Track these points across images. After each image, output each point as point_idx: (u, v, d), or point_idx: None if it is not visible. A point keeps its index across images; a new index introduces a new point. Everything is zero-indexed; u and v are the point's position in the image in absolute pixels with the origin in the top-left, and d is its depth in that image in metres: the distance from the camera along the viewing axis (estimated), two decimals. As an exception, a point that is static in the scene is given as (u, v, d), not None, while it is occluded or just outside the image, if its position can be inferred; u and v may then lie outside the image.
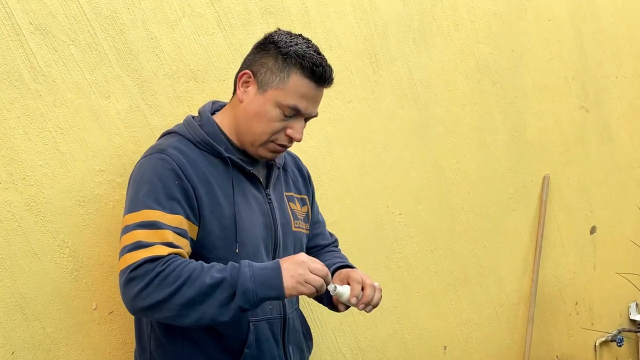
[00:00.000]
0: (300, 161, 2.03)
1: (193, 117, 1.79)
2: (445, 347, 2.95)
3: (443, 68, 2.87)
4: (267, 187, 1.81)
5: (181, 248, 1.56)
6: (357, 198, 2.59)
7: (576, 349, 3.61)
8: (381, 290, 1.73)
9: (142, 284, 1.50)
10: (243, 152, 1.75)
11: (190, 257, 1.62)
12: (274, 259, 1.77)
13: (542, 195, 3.34)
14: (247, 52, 1.79)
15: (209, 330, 1.68)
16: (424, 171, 2.83)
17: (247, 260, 1.57)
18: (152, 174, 1.61)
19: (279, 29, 1.75)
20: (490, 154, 3.10)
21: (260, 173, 1.81)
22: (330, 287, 1.64)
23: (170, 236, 1.55)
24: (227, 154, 1.70)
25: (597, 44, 3.60)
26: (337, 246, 2.11)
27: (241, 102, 1.71)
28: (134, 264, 1.51)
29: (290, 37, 1.70)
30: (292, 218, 1.86)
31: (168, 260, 1.52)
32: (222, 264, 1.57)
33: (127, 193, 1.68)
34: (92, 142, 1.91)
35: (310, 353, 2.00)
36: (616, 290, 3.81)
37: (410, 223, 2.78)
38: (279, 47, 1.67)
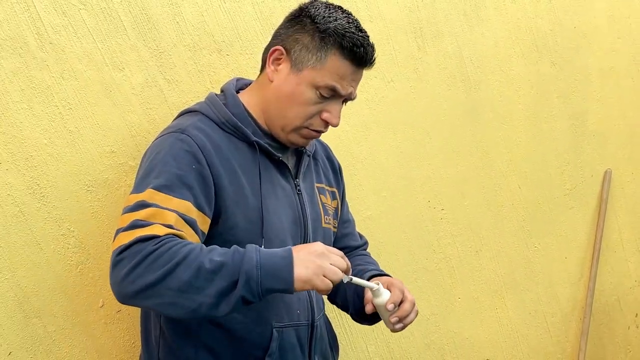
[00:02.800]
0: (331, 151, 2.03)
1: (216, 95, 1.78)
2: (488, 360, 2.97)
3: (497, 45, 2.87)
4: (296, 176, 1.81)
5: (182, 232, 1.51)
6: (395, 190, 2.59)
7: (635, 367, 3.62)
8: (417, 313, 1.74)
9: (131, 265, 1.44)
10: (271, 136, 1.75)
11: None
12: None
13: (602, 193, 3.35)
14: (276, 25, 1.78)
15: (227, 335, 1.67)
16: (471, 162, 2.84)
17: (254, 245, 1.52)
18: (167, 154, 1.59)
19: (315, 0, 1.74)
20: (546, 144, 3.11)
21: (290, 161, 1.80)
22: (346, 278, 1.56)
23: (172, 219, 1.50)
24: (254, 138, 1.70)
25: (672, 22, 3.57)
26: (366, 249, 2.10)
27: (271, 81, 1.71)
28: (125, 244, 1.46)
29: (329, 10, 1.68)
30: (322, 212, 1.86)
31: (163, 239, 1.46)
32: (225, 248, 1.51)
33: (136, 173, 1.66)
34: (103, 119, 1.91)
35: None
36: (682, 302, 3.80)
37: (454, 220, 2.80)
38: (316, 22, 1.66)
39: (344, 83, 1.67)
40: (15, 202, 1.79)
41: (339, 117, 1.72)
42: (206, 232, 1.60)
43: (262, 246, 1.64)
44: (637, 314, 3.60)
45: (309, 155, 1.86)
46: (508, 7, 2.87)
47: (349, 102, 1.77)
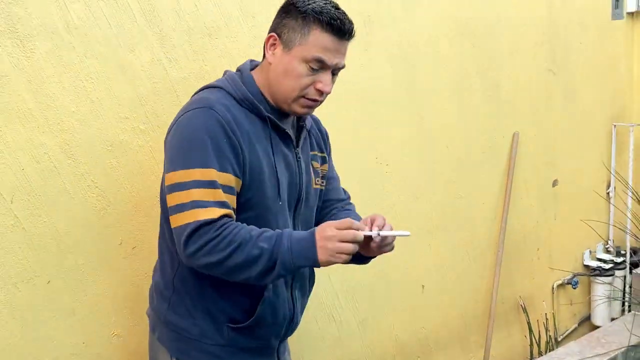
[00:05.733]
0: (321, 123, 2.04)
1: (234, 73, 1.78)
2: (423, 286, 3.10)
3: (429, 31, 2.95)
4: (297, 146, 1.83)
5: (231, 208, 1.60)
6: (348, 150, 2.66)
7: (537, 290, 3.80)
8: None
9: (197, 246, 1.55)
10: (277, 111, 1.76)
11: (240, 205, 1.67)
12: (295, 213, 1.82)
13: (511, 151, 3.47)
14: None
15: None
16: (410, 126, 2.93)
17: (288, 231, 1.61)
18: (202, 130, 1.60)
19: None
20: (467, 111, 3.21)
21: (291, 133, 1.82)
22: (374, 233, 1.63)
23: (222, 195, 1.58)
24: (267, 114, 1.72)
25: (565, 12, 3.72)
26: (350, 202, 2.12)
27: (270, 64, 1.71)
28: (191, 224, 1.55)
29: None
30: (313, 176, 1.89)
31: (221, 225, 1.56)
32: (268, 233, 1.60)
33: (172, 144, 1.65)
34: (119, 91, 1.97)
35: (310, 294, 2.03)
36: (572, 239, 4.01)
37: (396, 173, 2.89)
38: (298, 7, 1.67)
39: (328, 54, 1.66)
40: (50, 159, 1.85)
41: (331, 85, 1.71)
42: (239, 191, 1.66)
43: (280, 202, 1.73)
44: (538, 249, 3.78)
45: (307, 130, 1.88)
46: (437, -1, 2.98)
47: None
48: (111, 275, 2.02)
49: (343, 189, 2.11)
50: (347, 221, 1.59)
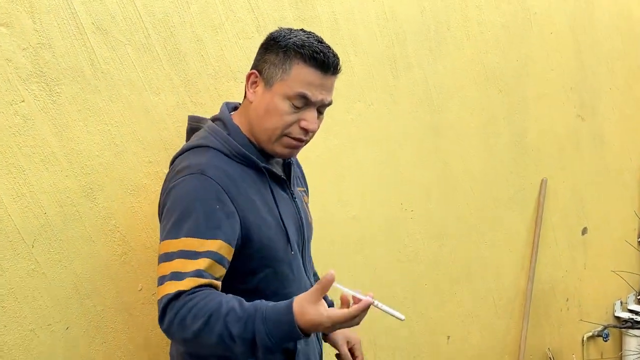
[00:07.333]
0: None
1: (216, 125, 1.71)
2: (448, 336, 3.04)
3: (455, 75, 2.96)
4: (290, 186, 1.79)
5: (210, 277, 1.50)
6: (374, 194, 2.67)
7: (566, 342, 3.72)
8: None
9: (168, 321, 1.47)
10: (267, 154, 1.70)
11: (256, 265, 1.62)
12: (302, 254, 1.77)
13: (539, 198, 3.44)
14: None
15: None
16: (435, 171, 2.92)
17: (261, 311, 1.44)
18: (193, 199, 1.54)
19: (280, 27, 1.69)
20: (493, 156, 3.20)
21: (284, 174, 1.79)
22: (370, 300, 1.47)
23: (204, 264, 1.49)
24: (262, 165, 1.66)
25: (594, 57, 3.72)
26: None
27: (251, 102, 1.66)
28: (164, 297, 1.47)
29: (290, 31, 1.64)
30: (308, 212, 1.87)
31: (188, 295, 1.46)
32: (238, 311, 1.44)
33: (164, 212, 1.60)
34: (143, 135, 1.97)
35: None
36: (603, 288, 3.94)
37: (421, 220, 2.87)
38: (279, 41, 1.62)
39: (312, 90, 1.59)
40: (73, 203, 1.84)
41: (316, 123, 1.62)
42: (230, 259, 1.56)
43: (292, 251, 1.67)
44: (567, 299, 3.71)
45: (293, 165, 1.82)
46: (464, 44, 2.98)
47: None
48: (130, 322, 1.99)
49: None
50: (350, 313, 1.44)
